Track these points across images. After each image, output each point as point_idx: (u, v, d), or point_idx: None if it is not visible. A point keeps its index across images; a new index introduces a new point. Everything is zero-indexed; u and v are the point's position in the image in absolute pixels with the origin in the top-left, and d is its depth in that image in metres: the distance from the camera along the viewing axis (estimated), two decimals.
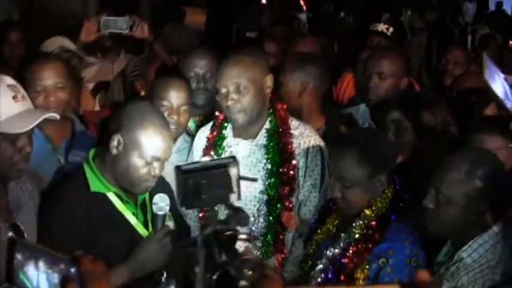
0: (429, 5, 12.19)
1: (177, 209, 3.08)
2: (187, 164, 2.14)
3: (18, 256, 1.57)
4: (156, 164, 2.75)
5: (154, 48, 4.31)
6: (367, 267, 2.67)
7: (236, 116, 3.18)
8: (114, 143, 2.74)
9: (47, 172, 3.10)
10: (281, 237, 3.18)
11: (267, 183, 3.18)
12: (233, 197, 2.08)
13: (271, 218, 3.17)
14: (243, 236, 2.00)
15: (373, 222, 2.74)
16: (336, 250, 2.80)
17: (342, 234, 2.82)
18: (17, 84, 2.58)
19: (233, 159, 2.13)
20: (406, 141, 3.30)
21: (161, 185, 2.90)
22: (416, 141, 3.29)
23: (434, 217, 2.58)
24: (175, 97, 3.34)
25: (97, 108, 4.58)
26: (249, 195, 3.17)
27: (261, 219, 3.18)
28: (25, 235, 2.47)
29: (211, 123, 3.40)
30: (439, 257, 2.68)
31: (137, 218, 2.81)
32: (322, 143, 3.28)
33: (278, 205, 3.17)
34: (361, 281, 2.65)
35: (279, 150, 3.21)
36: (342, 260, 2.75)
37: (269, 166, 3.20)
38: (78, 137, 3.30)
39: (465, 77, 4.20)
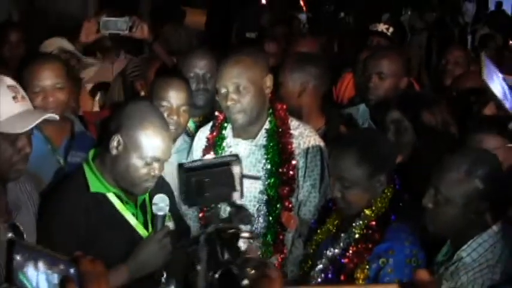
0: (429, 5, 12.19)
1: (177, 209, 3.08)
2: (190, 162, 2.14)
3: (18, 257, 1.57)
4: (155, 165, 2.75)
5: (154, 48, 4.31)
6: (367, 267, 2.67)
7: (236, 116, 3.18)
8: (114, 143, 2.74)
9: (46, 173, 3.10)
10: (281, 237, 3.18)
11: (266, 183, 3.18)
12: (236, 195, 2.08)
13: (271, 218, 3.17)
14: (246, 234, 2.00)
15: (373, 222, 2.75)
16: (336, 250, 2.81)
17: (342, 234, 2.82)
18: (16, 85, 2.58)
19: (236, 158, 2.13)
20: (406, 141, 3.30)
21: (161, 186, 2.90)
22: (416, 141, 3.29)
23: (434, 217, 2.58)
24: (174, 97, 3.34)
25: (96, 108, 4.57)
26: (249, 195, 3.17)
27: (261, 220, 3.18)
28: (24, 236, 2.47)
29: (210, 124, 3.40)
30: (439, 257, 2.68)
31: (137, 218, 2.81)
32: (322, 143, 3.28)
33: (278, 205, 3.17)
34: (361, 281, 2.65)
35: (278, 150, 3.20)
36: (342, 260, 2.75)
37: (269, 166, 3.20)
38: (78, 138, 3.30)
39: (465, 77, 4.20)
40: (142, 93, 3.91)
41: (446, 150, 2.72)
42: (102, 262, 1.67)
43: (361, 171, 2.75)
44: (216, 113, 3.38)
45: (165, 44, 4.80)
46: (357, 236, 2.76)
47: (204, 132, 3.39)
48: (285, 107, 3.31)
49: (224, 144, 3.31)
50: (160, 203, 2.73)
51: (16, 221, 2.53)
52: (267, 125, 3.26)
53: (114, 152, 2.74)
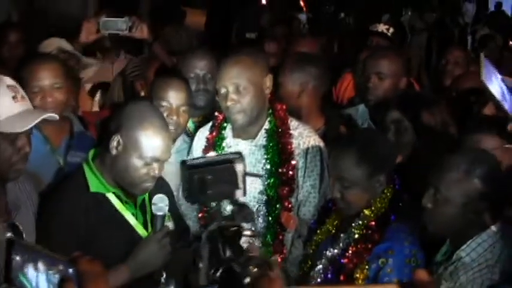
0: (429, 5, 12.20)
1: (176, 210, 3.08)
2: (193, 159, 2.13)
3: (17, 257, 1.57)
4: (155, 165, 2.75)
5: (154, 48, 4.31)
6: (367, 267, 2.67)
7: (236, 116, 3.18)
8: (114, 143, 2.74)
9: (46, 173, 3.10)
10: (280, 237, 3.18)
11: (266, 183, 3.18)
12: (238, 193, 2.07)
13: (270, 218, 3.17)
14: (248, 232, 1.99)
15: (373, 223, 2.75)
16: (336, 250, 2.81)
17: (342, 235, 2.82)
18: (16, 85, 2.59)
19: (239, 155, 2.12)
20: (406, 142, 3.30)
21: (160, 186, 2.90)
22: (416, 142, 3.29)
23: (433, 217, 2.58)
24: (174, 98, 3.34)
25: (95, 108, 4.57)
26: (248, 195, 3.16)
27: (260, 220, 3.18)
28: (24, 235, 2.47)
29: (210, 124, 3.40)
30: (438, 257, 2.68)
31: (137, 218, 2.81)
32: (321, 144, 3.28)
33: (277, 205, 3.16)
34: (360, 281, 2.65)
35: (278, 150, 3.20)
36: (342, 260, 2.75)
37: (268, 166, 3.20)
38: (77, 138, 3.30)
39: (465, 77, 4.20)
40: (142, 93, 3.91)
41: (446, 151, 2.72)
42: (100, 262, 1.67)
43: (361, 172, 2.75)
44: (216, 113, 3.38)
45: (165, 45, 4.79)
46: (356, 236, 2.76)
47: (204, 133, 3.39)
48: (284, 107, 3.31)
49: (224, 144, 3.31)
50: (160, 203, 2.73)
51: (15, 220, 2.53)
52: (266, 125, 3.26)
53: (113, 152, 2.74)
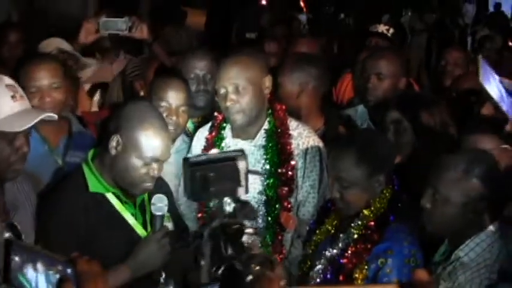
0: (429, 6, 12.19)
1: (175, 210, 3.09)
2: (195, 156, 2.13)
3: (16, 258, 1.57)
4: (154, 165, 2.75)
5: (153, 49, 4.31)
6: (366, 267, 2.67)
7: (235, 116, 3.18)
8: (113, 143, 2.74)
9: (44, 173, 3.10)
10: (280, 237, 3.18)
11: (265, 183, 3.18)
12: (241, 191, 2.07)
13: (269, 218, 3.17)
14: (250, 230, 1.99)
15: (372, 223, 2.75)
16: (335, 250, 2.81)
17: (341, 235, 2.82)
18: (15, 84, 2.59)
19: (241, 153, 2.12)
20: (405, 142, 3.30)
21: (160, 186, 2.90)
22: (415, 142, 3.29)
23: (432, 217, 2.58)
24: (174, 98, 3.34)
25: (94, 108, 4.57)
26: (248, 195, 3.16)
27: (260, 220, 3.18)
28: (22, 236, 2.47)
29: (209, 124, 3.40)
30: (436, 257, 2.68)
31: (136, 218, 2.81)
32: (321, 144, 3.28)
33: (277, 205, 3.17)
34: (359, 281, 2.65)
35: (277, 150, 3.21)
36: (341, 261, 2.76)
37: (268, 167, 3.20)
38: (76, 137, 3.30)
39: (464, 78, 4.21)
40: (142, 94, 3.91)
41: (446, 151, 2.73)
42: (99, 262, 1.68)
43: (360, 172, 2.76)
44: (215, 113, 3.38)
45: (166, 45, 4.79)
46: (355, 236, 2.76)
47: (203, 133, 3.39)
48: (284, 107, 3.31)
49: (223, 144, 3.31)
50: (159, 203, 2.73)
51: (14, 220, 2.52)
52: (266, 126, 3.26)
53: (113, 152, 2.74)
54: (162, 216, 2.75)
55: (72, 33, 4.22)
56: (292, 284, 2.70)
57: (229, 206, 2.03)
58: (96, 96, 4.70)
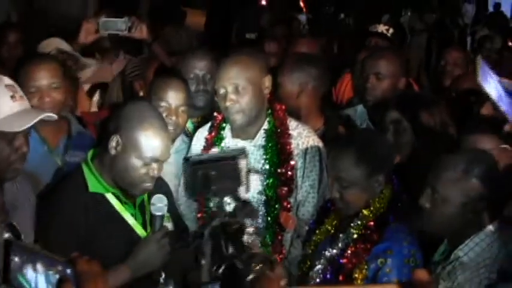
0: (429, 6, 12.20)
1: (175, 210, 3.09)
2: (197, 155, 2.12)
3: (16, 258, 1.57)
4: (154, 165, 2.75)
5: (153, 49, 4.31)
6: (366, 267, 2.68)
7: (235, 116, 3.18)
8: (113, 143, 2.74)
9: (43, 173, 3.10)
10: (279, 237, 3.18)
11: (265, 183, 3.18)
12: (242, 190, 2.07)
13: (269, 218, 3.17)
14: (250, 230, 1.99)
15: (371, 223, 2.75)
16: (334, 250, 2.81)
17: (340, 235, 2.82)
18: (15, 84, 2.59)
19: (243, 152, 2.12)
20: (405, 142, 3.30)
21: (160, 186, 2.90)
22: (415, 142, 3.29)
23: (431, 216, 2.58)
24: (173, 98, 3.34)
25: (94, 109, 4.57)
26: (247, 195, 3.16)
27: (259, 220, 3.18)
28: (22, 236, 2.47)
29: (209, 124, 3.39)
30: (436, 256, 2.68)
31: (136, 218, 2.81)
32: (320, 144, 3.28)
33: (276, 205, 3.17)
34: (359, 281, 2.65)
35: (277, 150, 3.21)
36: (341, 261, 2.76)
37: (267, 167, 3.20)
38: (76, 137, 3.30)
39: (464, 78, 4.21)
40: (141, 94, 3.91)
41: (445, 151, 2.73)
42: (99, 262, 1.68)
43: (359, 172, 2.76)
44: (215, 113, 3.38)
45: (166, 45, 4.79)
46: (355, 236, 2.76)
47: (203, 133, 3.39)
48: (283, 107, 3.31)
49: (223, 144, 3.31)
50: (158, 203, 2.74)
51: (13, 221, 2.53)
52: (265, 126, 3.26)
53: (113, 152, 2.75)
54: (162, 217, 2.76)
55: (72, 34, 4.22)
56: (292, 284, 2.70)
57: (229, 206, 2.04)
58: (96, 97, 4.69)
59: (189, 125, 3.60)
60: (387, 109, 3.39)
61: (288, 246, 3.22)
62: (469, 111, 3.64)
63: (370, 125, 3.88)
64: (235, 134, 3.29)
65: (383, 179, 2.80)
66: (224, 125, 3.33)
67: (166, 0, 8.70)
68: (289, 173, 3.18)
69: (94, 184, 2.77)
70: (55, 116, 2.68)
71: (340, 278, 2.73)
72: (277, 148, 3.21)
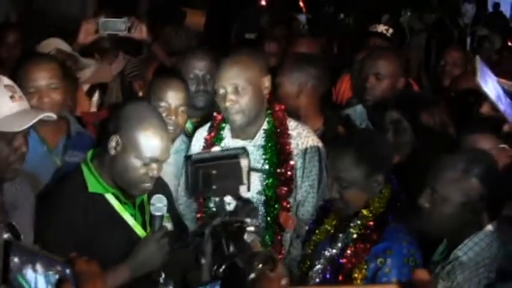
0: (429, 6, 12.21)
1: (175, 210, 3.09)
2: (198, 153, 2.11)
3: (15, 259, 1.58)
4: (154, 165, 2.75)
5: (153, 49, 4.31)
6: (365, 267, 2.68)
7: (234, 116, 3.18)
8: (112, 143, 2.74)
9: (43, 174, 3.09)
10: (279, 237, 3.18)
11: (264, 183, 3.18)
12: (243, 189, 2.06)
13: (269, 218, 3.17)
14: (251, 229, 1.98)
15: (371, 223, 2.75)
16: (334, 250, 2.81)
17: (340, 235, 2.82)
18: (14, 85, 2.59)
19: (244, 150, 2.11)
20: (405, 142, 3.30)
21: (159, 186, 2.90)
22: (415, 142, 3.29)
23: (430, 216, 2.58)
24: (173, 98, 3.34)
25: (93, 109, 4.58)
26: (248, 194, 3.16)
27: (259, 220, 3.18)
28: (21, 236, 2.47)
29: (209, 124, 3.39)
30: (435, 256, 2.68)
31: (135, 219, 2.81)
32: (320, 144, 3.28)
33: (276, 205, 3.16)
34: (359, 281, 2.65)
35: (277, 150, 3.20)
36: (340, 260, 2.76)
37: (267, 167, 3.20)
38: (75, 137, 3.30)
39: (463, 77, 4.21)
40: (140, 94, 3.91)
41: (444, 151, 2.73)
42: (97, 262, 1.68)
43: (359, 172, 2.76)
44: (214, 114, 3.38)
45: (165, 46, 4.80)
46: (354, 236, 2.76)
47: (202, 133, 3.39)
48: (283, 107, 3.31)
49: (222, 144, 3.30)
50: (158, 204, 2.74)
51: (12, 221, 2.53)
52: (265, 126, 3.26)
53: (112, 152, 2.75)
54: (162, 217, 2.76)
55: (71, 34, 4.22)
56: (292, 283, 2.71)
57: (229, 205, 2.03)
58: (95, 97, 4.70)
59: (189, 125, 3.60)
60: (387, 109, 3.39)
61: (287, 246, 3.22)
62: (469, 111, 3.64)
63: (370, 125, 3.88)
64: (235, 134, 3.29)
65: (382, 179, 2.80)
66: (224, 125, 3.33)
67: (165, 0, 8.70)
68: (289, 173, 3.18)
69: (93, 184, 2.77)
70: (54, 116, 2.68)
71: (340, 277, 2.73)
72: (277, 148, 3.21)
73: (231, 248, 1.89)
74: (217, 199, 2.11)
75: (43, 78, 3.16)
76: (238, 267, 1.84)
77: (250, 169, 2.10)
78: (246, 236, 1.95)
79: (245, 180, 2.08)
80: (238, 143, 3.27)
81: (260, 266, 1.81)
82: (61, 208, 2.74)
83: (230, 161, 2.09)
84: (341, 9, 12.60)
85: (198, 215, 3.29)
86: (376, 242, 2.70)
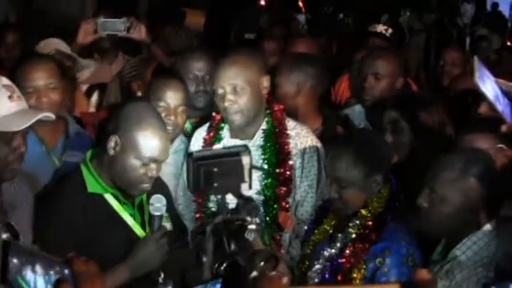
0: (428, 6, 12.21)
1: (174, 210, 3.09)
2: (200, 151, 2.11)
3: (14, 260, 1.57)
4: (153, 165, 2.75)
5: (152, 49, 4.31)
6: (364, 267, 2.67)
7: (233, 117, 3.17)
8: (111, 143, 2.74)
9: (42, 174, 3.10)
10: (278, 237, 3.18)
11: (263, 183, 3.18)
12: (244, 187, 2.06)
13: (267, 218, 3.16)
14: (253, 227, 1.98)
15: (370, 222, 2.75)
16: (333, 250, 2.81)
17: (339, 235, 2.82)
18: (12, 85, 2.59)
19: (246, 148, 2.11)
20: (403, 142, 3.30)
21: (158, 186, 2.90)
22: (413, 142, 3.29)
23: (429, 216, 2.58)
24: (172, 98, 3.34)
25: (91, 109, 4.57)
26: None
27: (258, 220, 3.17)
28: (20, 236, 2.47)
29: (207, 124, 3.39)
30: (434, 256, 2.68)
31: (135, 219, 2.82)
32: (318, 144, 3.28)
33: (275, 205, 3.16)
34: (358, 281, 2.65)
35: (275, 150, 3.20)
36: (339, 260, 2.76)
37: (266, 167, 3.20)
38: (74, 137, 3.30)
39: (462, 77, 4.21)
40: (139, 94, 3.91)
41: (443, 151, 2.73)
42: (97, 263, 1.68)
43: (358, 172, 2.76)
44: (213, 114, 3.37)
45: (165, 46, 4.79)
46: (353, 236, 2.76)
47: (201, 133, 3.38)
48: (282, 107, 3.31)
49: (221, 145, 3.30)
50: (157, 203, 2.74)
51: (11, 220, 2.53)
52: (264, 126, 3.25)
53: (111, 152, 2.75)
54: (161, 217, 2.76)
55: (71, 34, 4.22)
56: (291, 283, 2.70)
57: (231, 202, 2.03)
58: (94, 97, 4.70)
59: (188, 125, 3.60)
60: (385, 109, 3.39)
61: (286, 246, 3.22)
62: (467, 111, 3.64)
63: (368, 125, 3.88)
64: (234, 134, 3.29)
65: (381, 178, 2.79)
66: (222, 125, 3.33)
67: (165, 0, 8.71)
68: (288, 172, 3.18)
69: (93, 184, 2.78)
70: (53, 116, 2.67)
71: (339, 277, 2.73)
72: (276, 148, 3.20)
73: (233, 246, 1.88)
74: (218, 197, 2.10)
75: (41, 78, 3.16)
76: (239, 265, 1.84)
77: (252, 167, 2.10)
78: (247, 234, 1.94)
79: (247, 178, 2.08)
80: (237, 143, 3.26)
81: (262, 264, 1.81)
82: (60, 208, 2.74)
83: (232, 159, 2.09)
84: (340, 9, 12.61)
85: (197, 215, 3.29)
86: (375, 242, 2.70)
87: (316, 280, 2.81)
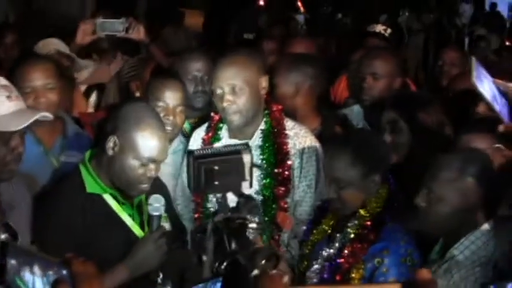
0: (427, 6, 12.22)
1: (173, 210, 3.09)
2: (200, 149, 2.10)
3: (13, 261, 1.57)
4: (152, 166, 2.75)
5: (150, 50, 4.31)
6: (363, 267, 2.68)
7: (232, 117, 3.17)
8: (110, 144, 2.75)
9: (40, 174, 3.10)
10: (276, 237, 3.18)
11: (262, 183, 3.18)
12: (245, 185, 2.06)
13: (266, 218, 3.16)
14: (254, 225, 1.97)
15: (368, 222, 2.75)
16: (331, 250, 2.81)
17: (337, 235, 2.82)
18: (10, 85, 2.59)
19: (246, 146, 2.11)
20: (402, 142, 3.30)
21: (157, 186, 2.90)
22: (412, 142, 3.29)
23: (427, 216, 2.59)
24: (170, 98, 3.34)
25: (90, 109, 4.58)
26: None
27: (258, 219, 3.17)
28: (18, 236, 2.47)
29: (206, 124, 3.39)
30: (432, 255, 2.69)
31: (133, 219, 2.82)
32: (317, 144, 3.28)
33: (273, 205, 3.16)
34: (356, 281, 2.65)
35: (274, 150, 3.20)
36: (338, 260, 2.76)
37: (264, 167, 3.20)
38: (73, 138, 3.30)
39: (461, 78, 4.20)
40: (137, 94, 3.91)
41: (441, 151, 2.73)
42: (95, 263, 1.68)
43: (356, 172, 2.76)
44: (212, 114, 3.37)
45: (164, 46, 4.80)
46: (352, 236, 2.76)
47: (200, 133, 3.38)
48: (280, 107, 3.31)
49: (220, 145, 3.30)
50: (156, 204, 2.74)
51: (9, 221, 2.53)
52: (262, 126, 3.25)
53: (110, 152, 2.75)
54: (159, 217, 2.76)
55: (70, 34, 4.22)
56: (290, 283, 2.71)
57: (232, 201, 2.03)
58: (93, 97, 4.70)
59: (186, 126, 3.60)
60: (384, 109, 3.39)
61: (285, 247, 3.22)
62: (466, 111, 3.64)
63: (367, 125, 3.88)
64: (232, 135, 3.29)
65: (379, 178, 2.80)
66: (221, 125, 3.33)
67: (164, 1, 8.71)
68: (286, 173, 3.18)
69: (91, 185, 2.78)
70: (51, 116, 2.67)
71: (337, 277, 2.73)
72: (274, 148, 3.20)
73: (233, 245, 1.88)
74: (217, 196, 2.10)
75: (39, 78, 3.16)
76: (240, 263, 1.83)
77: (253, 165, 2.10)
78: (248, 233, 1.94)
79: (247, 176, 2.08)
80: (236, 143, 3.27)
81: (263, 262, 1.81)
82: (59, 208, 2.74)
83: (232, 157, 2.08)
84: (339, 9, 12.60)
85: (196, 215, 3.29)
86: (373, 241, 2.70)
87: (315, 280, 2.81)
